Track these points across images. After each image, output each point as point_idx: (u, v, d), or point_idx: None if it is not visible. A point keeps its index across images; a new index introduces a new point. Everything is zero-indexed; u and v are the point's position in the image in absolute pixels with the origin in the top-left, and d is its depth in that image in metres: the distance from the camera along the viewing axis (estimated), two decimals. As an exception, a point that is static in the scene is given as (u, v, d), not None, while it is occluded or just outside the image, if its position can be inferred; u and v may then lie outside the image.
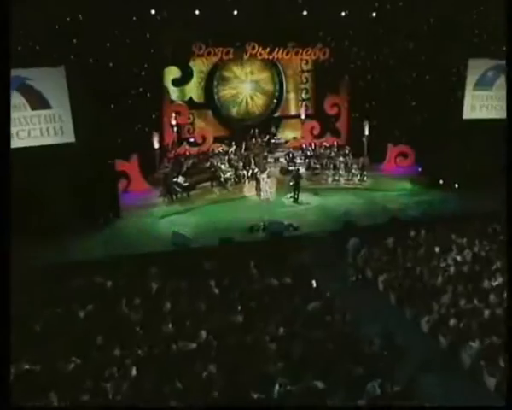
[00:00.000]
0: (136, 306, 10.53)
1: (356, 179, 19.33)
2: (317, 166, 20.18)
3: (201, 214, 16.44)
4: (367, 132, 20.86)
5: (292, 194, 17.58)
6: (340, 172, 19.56)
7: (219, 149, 21.53)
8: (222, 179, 18.67)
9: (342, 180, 19.35)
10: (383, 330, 9.44)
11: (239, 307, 10.32)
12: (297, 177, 17.67)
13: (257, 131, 22.23)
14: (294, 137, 23.58)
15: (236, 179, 19.04)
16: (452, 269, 12.17)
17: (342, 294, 11.34)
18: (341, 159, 20.11)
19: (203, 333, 9.27)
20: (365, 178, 19.31)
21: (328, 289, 11.27)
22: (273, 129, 23.07)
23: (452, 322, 10.02)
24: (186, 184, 18.12)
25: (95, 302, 10.49)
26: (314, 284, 11.49)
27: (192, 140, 22.07)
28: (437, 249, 13.34)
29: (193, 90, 22.29)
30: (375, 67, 20.75)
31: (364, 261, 13.09)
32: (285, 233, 14.70)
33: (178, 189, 17.88)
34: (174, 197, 17.72)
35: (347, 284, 12.60)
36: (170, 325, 9.71)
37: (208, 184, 18.85)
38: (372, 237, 13.86)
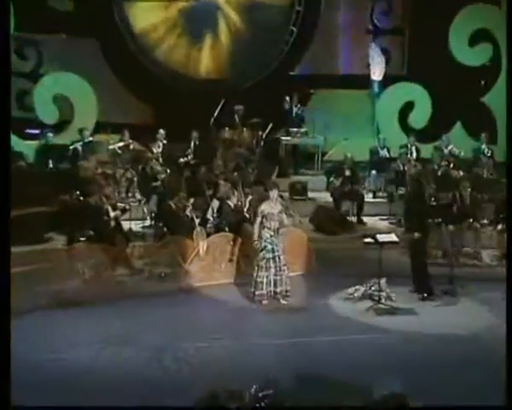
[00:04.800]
0: None
1: None
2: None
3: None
4: None
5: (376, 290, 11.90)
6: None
7: (114, 146, 16.24)
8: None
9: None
10: None
11: None
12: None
13: (241, 109, 17.39)
14: (346, 139, 18.81)
15: (159, 232, 13.20)
16: None
17: None
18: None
19: None
20: None
21: None
22: (290, 105, 17.89)
23: None
24: None
25: None
26: None
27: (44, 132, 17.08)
28: None
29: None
30: None
31: None
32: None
33: None
34: None
35: None
36: None
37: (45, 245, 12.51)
38: None
